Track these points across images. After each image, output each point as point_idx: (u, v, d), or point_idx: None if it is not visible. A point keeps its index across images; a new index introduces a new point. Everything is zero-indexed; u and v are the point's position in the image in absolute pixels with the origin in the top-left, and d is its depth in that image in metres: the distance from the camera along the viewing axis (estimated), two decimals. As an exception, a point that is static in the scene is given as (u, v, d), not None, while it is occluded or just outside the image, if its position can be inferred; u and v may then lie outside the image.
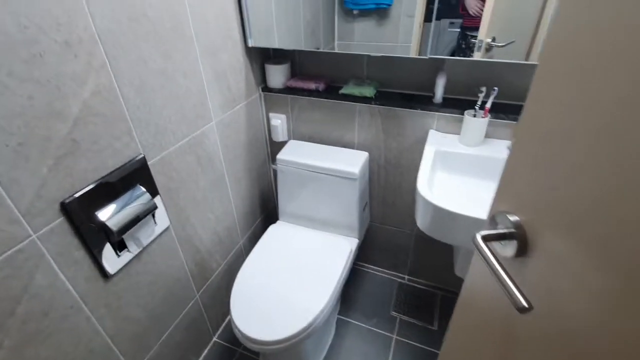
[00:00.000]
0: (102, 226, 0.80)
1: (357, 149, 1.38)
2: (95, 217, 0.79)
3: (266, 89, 1.37)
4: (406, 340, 1.44)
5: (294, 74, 1.38)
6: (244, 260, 1.28)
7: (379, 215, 1.54)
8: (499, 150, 1.09)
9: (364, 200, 1.38)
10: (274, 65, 1.31)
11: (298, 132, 1.45)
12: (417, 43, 1.08)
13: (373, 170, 1.41)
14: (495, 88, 1.02)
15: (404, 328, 1.49)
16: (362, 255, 1.75)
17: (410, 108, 1.20)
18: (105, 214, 0.81)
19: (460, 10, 1.01)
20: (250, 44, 1.20)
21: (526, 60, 0.98)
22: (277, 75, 1.33)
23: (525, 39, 0.98)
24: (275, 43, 1.23)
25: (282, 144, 1.43)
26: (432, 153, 1.10)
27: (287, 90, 1.34)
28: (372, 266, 1.76)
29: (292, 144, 1.41)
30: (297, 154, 1.34)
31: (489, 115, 1.07)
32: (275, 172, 1.38)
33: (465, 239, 0.89)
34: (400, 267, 1.69)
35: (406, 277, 1.70)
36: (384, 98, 1.23)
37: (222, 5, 1.07)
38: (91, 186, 0.78)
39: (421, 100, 1.20)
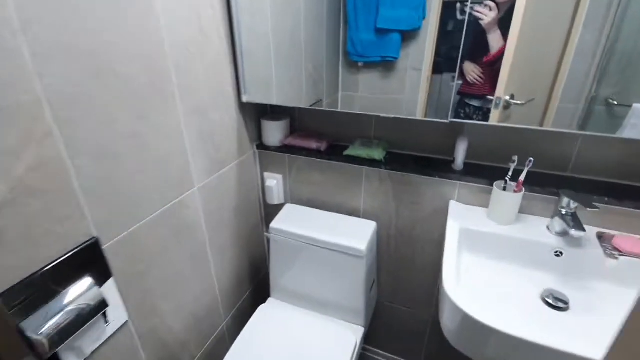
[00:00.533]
0: (27, 342, 0.59)
1: (364, 217, 1.20)
2: (18, 329, 0.59)
3: (262, 146, 1.22)
4: None
5: (293, 130, 1.24)
6: (227, 347, 1.04)
7: (389, 292, 1.32)
8: (538, 231, 0.91)
9: (371, 279, 1.17)
10: (271, 121, 1.17)
11: (296, 195, 1.27)
12: (424, 97, 0.95)
13: (382, 241, 1.22)
14: (531, 159, 0.86)
15: None
16: (367, 336, 1.50)
17: (427, 175, 1.03)
18: (32, 325, 0.60)
19: (458, 76, 0.88)
20: (245, 99, 1.07)
21: (541, 125, 0.84)
22: (275, 132, 1.18)
23: (543, 97, 0.85)
24: (274, 99, 1.10)
25: (277, 208, 1.25)
26: (456, 231, 0.91)
27: (285, 148, 1.19)
28: (379, 351, 1.50)
29: (289, 209, 1.23)
30: (294, 221, 1.15)
31: (523, 190, 0.90)
32: (269, 240, 1.18)
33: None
34: (415, 354, 1.43)
35: (420, 364, 1.44)
36: (395, 162, 1.07)
37: (214, 57, 0.94)
38: (16, 287, 0.58)
39: (438, 166, 1.04)
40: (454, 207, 1.01)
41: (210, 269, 1.10)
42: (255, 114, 1.19)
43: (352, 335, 1.08)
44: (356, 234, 1.09)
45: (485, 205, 1.00)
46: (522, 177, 0.88)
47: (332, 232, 1.10)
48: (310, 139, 1.17)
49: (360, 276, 1.08)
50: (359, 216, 1.20)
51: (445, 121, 0.90)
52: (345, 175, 1.15)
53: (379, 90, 1.03)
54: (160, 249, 0.87)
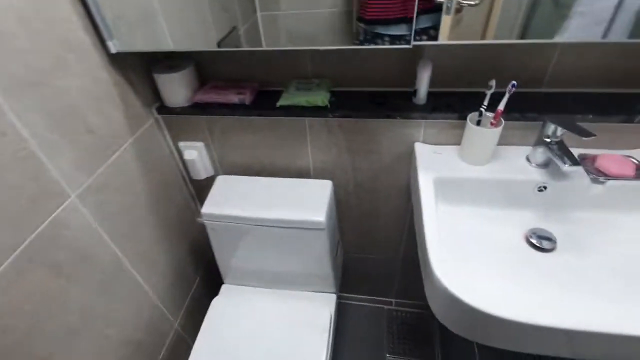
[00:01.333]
0: None
1: (315, 176, 0.99)
2: None
3: (164, 109, 0.90)
4: (410, 391, 1.18)
5: (203, 80, 0.92)
6: (188, 345, 0.89)
7: (355, 245, 1.20)
8: (518, 166, 0.77)
9: (335, 243, 1.02)
10: (168, 73, 0.84)
11: (227, 164, 1.01)
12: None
13: (341, 199, 1.04)
14: (514, 82, 0.67)
15: (405, 373, 1.22)
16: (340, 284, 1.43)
17: (385, 117, 0.82)
18: None
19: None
20: (114, 49, 0.71)
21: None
22: (177, 88, 0.86)
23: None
24: (164, 41, 0.74)
25: (208, 182, 0.99)
26: (430, 184, 0.75)
27: (198, 108, 0.88)
28: (353, 295, 1.45)
29: (222, 183, 0.97)
30: (230, 199, 0.92)
31: (503, 122, 0.73)
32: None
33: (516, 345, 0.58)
34: (386, 292, 1.40)
35: (394, 301, 1.42)
36: (343, 105, 0.84)
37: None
38: None
39: (397, 102, 0.83)
40: (421, 151, 0.84)
41: (139, 283, 0.86)
42: (142, 67, 0.84)
43: (325, 308, 0.96)
44: (310, 201, 0.89)
45: (456, 142, 0.84)
46: (501, 106, 0.71)
47: (280, 204, 0.89)
48: (227, 90, 0.87)
49: (323, 247, 0.92)
50: (309, 176, 0.99)
51: (406, 46, 0.65)
52: (283, 131, 0.90)
53: (309, 3, 0.73)
54: (39, 303, 0.61)
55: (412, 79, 0.80)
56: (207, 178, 1.02)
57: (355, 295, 1.44)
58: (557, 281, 0.65)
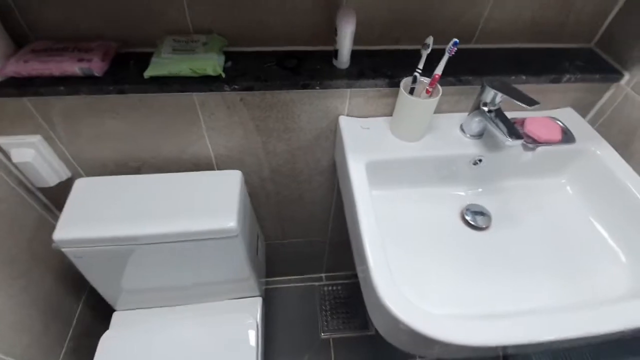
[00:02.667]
0: None
1: (220, 166, 0.78)
2: None
3: (-48, 89, 0.56)
4: (349, 365, 1.16)
5: (19, 41, 0.59)
6: None
7: (276, 232, 1.05)
8: (452, 139, 0.68)
9: (253, 243, 0.85)
10: None
11: (89, 161, 0.72)
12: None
13: (256, 188, 0.86)
14: (456, 40, 0.54)
15: (341, 348, 1.19)
16: (267, 269, 1.30)
17: (302, 87, 0.63)
18: None
19: None
20: None
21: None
22: (-36, 53, 0.53)
23: None
24: None
25: (65, 187, 0.70)
26: (362, 169, 0.61)
27: (14, 86, 0.57)
28: (280, 278, 1.33)
29: (83, 188, 0.69)
30: (98, 212, 0.66)
31: (440, 90, 0.61)
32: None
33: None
34: (315, 269, 1.32)
35: (324, 275, 1.35)
36: (244, 72, 0.62)
37: None
38: None
39: (314, 66, 0.65)
40: (347, 126, 0.69)
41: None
42: None
43: (248, 318, 0.82)
44: (215, 201, 0.69)
45: (386, 112, 0.71)
46: (439, 70, 0.58)
47: (174, 211, 0.67)
48: (62, 55, 0.57)
49: (238, 254, 0.74)
50: (212, 167, 0.77)
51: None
52: (163, 112, 0.65)
53: None
54: None
55: (330, 34, 0.61)
56: (64, 182, 0.73)
57: (283, 278, 1.33)
58: (495, 269, 0.61)
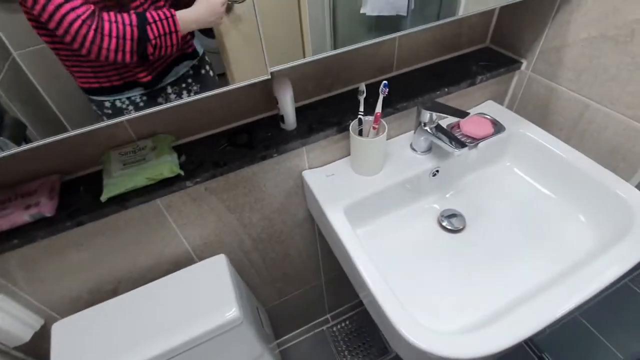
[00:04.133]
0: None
1: (199, 256, 0.76)
2: None
3: None
4: (383, 396, 1.15)
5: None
6: None
7: (272, 295, 1.03)
8: (409, 160, 0.74)
9: (257, 320, 0.83)
10: None
11: (60, 300, 0.67)
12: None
13: (242, 263, 0.84)
14: (385, 82, 0.61)
15: (370, 382, 1.18)
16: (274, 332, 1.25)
17: (261, 159, 0.65)
18: None
19: None
20: None
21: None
22: None
23: None
24: None
25: (41, 334, 0.63)
26: (342, 216, 0.64)
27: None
28: (288, 335, 1.29)
29: (63, 334, 0.63)
30: (89, 354, 0.61)
31: (386, 127, 0.67)
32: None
33: None
34: (319, 313, 1.30)
35: (329, 316, 1.34)
36: (201, 162, 0.63)
37: None
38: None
39: (264, 135, 0.67)
40: (312, 180, 0.71)
41: None
42: None
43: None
44: (209, 293, 0.67)
45: (343, 154, 0.75)
46: (378, 108, 0.64)
47: (170, 320, 0.64)
48: (6, 206, 0.54)
49: (249, 338, 0.72)
50: (193, 261, 0.75)
51: (266, 77, 0.49)
52: (130, 227, 0.63)
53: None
54: None
55: (270, 99, 0.65)
56: (39, 331, 0.66)
57: (292, 334, 1.29)
58: (484, 265, 0.66)
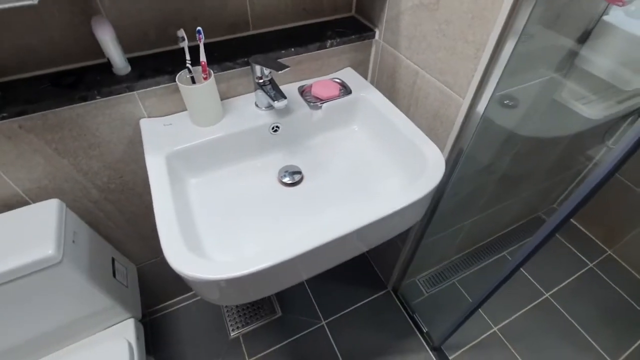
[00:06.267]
0: None
1: (34, 201, 0.75)
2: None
3: None
4: (262, 354, 1.20)
5: None
6: None
7: (146, 253, 1.04)
8: (249, 114, 0.77)
9: (104, 268, 0.84)
10: None
11: None
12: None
13: (93, 214, 0.84)
14: (199, 29, 0.62)
15: (252, 341, 1.22)
16: (157, 295, 1.26)
17: (80, 100, 0.65)
18: None
19: None
20: None
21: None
22: None
23: None
24: None
25: None
26: (163, 165, 0.65)
27: None
28: (176, 299, 1.31)
29: None
30: None
31: (212, 74, 0.68)
32: None
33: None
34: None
35: (223, 281, 1.36)
36: (15, 99, 0.62)
37: None
38: None
39: (94, 78, 0.67)
40: (148, 127, 0.72)
41: None
42: None
43: (120, 342, 0.80)
44: (29, 235, 0.67)
45: (185, 107, 0.76)
46: (202, 57, 0.66)
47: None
48: None
49: (76, 281, 0.73)
50: (23, 203, 0.74)
51: (31, 2, 0.49)
52: None
53: None
54: None
55: (97, 46, 0.64)
56: None
57: (178, 298, 1.31)
58: (305, 211, 0.70)
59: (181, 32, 0.63)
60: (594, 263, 1.48)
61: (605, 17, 0.73)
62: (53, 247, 0.65)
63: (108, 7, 0.64)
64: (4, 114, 0.60)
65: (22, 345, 0.76)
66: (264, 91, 0.71)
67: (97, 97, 0.66)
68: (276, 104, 0.67)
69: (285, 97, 0.67)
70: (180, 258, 0.51)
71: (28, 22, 0.60)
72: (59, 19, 0.62)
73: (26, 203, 0.74)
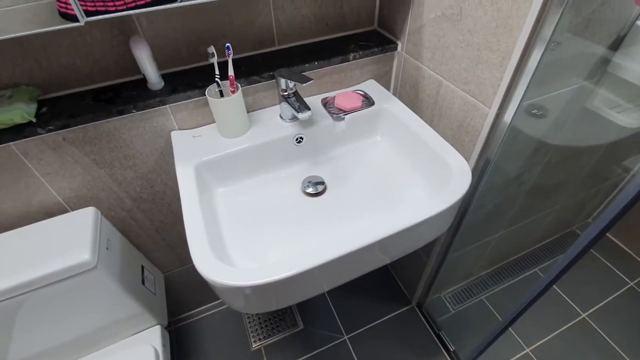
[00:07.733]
0: None
1: (73, 208, 0.79)
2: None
3: None
4: (284, 367, 1.19)
5: None
6: None
7: (173, 261, 1.07)
8: (273, 126, 0.79)
9: (134, 274, 0.87)
10: None
11: None
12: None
13: (126, 222, 0.88)
14: (229, 45, 0.65)
15: (273, 352, 1.21)
16: (181, 304, 1.29)
17: (118, 114, 0.69)
18: None
19: None
20: None
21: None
22: None
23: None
24: None
25: None
26: (192, 175, 0.68)
27: None
28: (200, 308, 1.33)
29: None
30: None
31: (240, 88, 0.71)
32: None
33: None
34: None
35: (246, 292, 1.37)
36: (60, 114, 0.66)
37: None
38: None
39: (130, 93, 0.71)
40: (178, 139, 0.76)
41: None
42: None
43: (147, 348, 0.82)
44: (67, 241, 0.71)
45: (213, 119, 0.79)
46: (230, 71, 0.69)
47: (24, 263, 0.67)
48: None
49: (108, 287, 0.76)
50: (64, 210, 0.79)
51: (78, 24, 0.53)
52: (-13, 169, 0.67)
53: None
54: None
55: (135, 64, 0.69)
56: None
57: (205, 306, 1.33)
58: (328, 222, 0.70)
59: (211, 49, 0.66)
60: (634, 282, 1.38)
61: (638, 22, 0.70)
62: (89, 253, 0.69)
63: (145, 27, 0.68)
64: (50, 127, 0.65)
65: (54, 350, 0.79)
66: (289, 103, 0.73)
67: (133, 111, 0.70)
68: (300, 115, 0.68)
69: (309, 109, 0.69)
70: (208, 265, 0.52)
71: (73, 43, 0.65)
72: (100, 40, 0.67)
73: (65, 210, 0.79)
